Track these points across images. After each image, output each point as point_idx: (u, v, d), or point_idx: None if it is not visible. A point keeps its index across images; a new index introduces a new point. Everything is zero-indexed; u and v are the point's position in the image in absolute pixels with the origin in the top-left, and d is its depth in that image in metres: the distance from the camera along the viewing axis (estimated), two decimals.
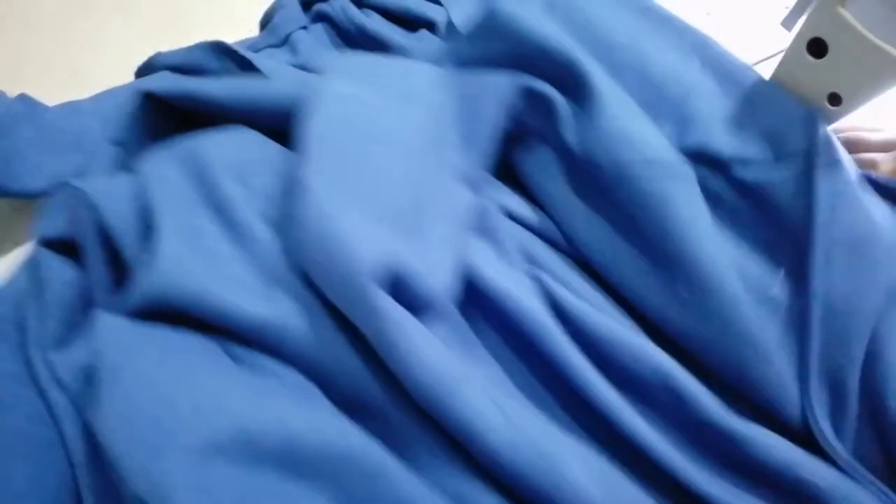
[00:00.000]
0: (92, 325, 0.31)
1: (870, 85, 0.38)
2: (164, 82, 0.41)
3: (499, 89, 0.39)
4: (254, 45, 0.61)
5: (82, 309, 0.36)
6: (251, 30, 0.72)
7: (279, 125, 0.40)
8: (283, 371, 0.30)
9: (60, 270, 0.36)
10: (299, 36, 0.58)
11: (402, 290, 0.30)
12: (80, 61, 0.90)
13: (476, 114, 0.39)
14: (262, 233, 0.34)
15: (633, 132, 0.35)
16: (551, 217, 0.42)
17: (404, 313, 0.28)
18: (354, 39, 0.57)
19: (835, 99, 0.40)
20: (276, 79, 0.45)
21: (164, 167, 0.37)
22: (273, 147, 0.39)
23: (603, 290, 0.38)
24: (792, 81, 0.43)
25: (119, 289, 0.36)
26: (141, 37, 0.92)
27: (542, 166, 0.41)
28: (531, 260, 0.39)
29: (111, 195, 0.36)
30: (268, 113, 0.40)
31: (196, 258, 0.32)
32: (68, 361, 0.33)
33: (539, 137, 0.42)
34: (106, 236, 0.36)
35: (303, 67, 0.54)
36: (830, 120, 0.42)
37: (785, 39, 0.42)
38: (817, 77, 0.40)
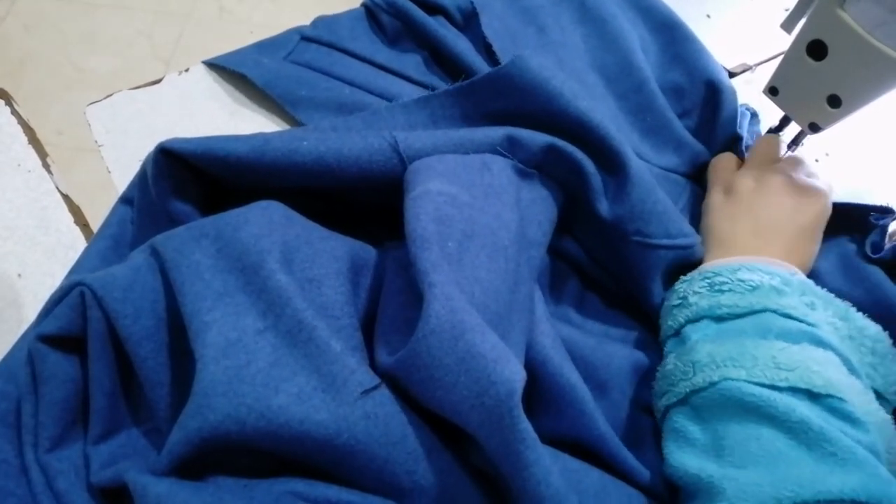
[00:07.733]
0: (135, 493, 0.28)
1: (869, 86, 0.38)
2: (184, 141, 0.38)
3: (557, 197, 0.43)
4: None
5: (81, 406, 0.34)
6: (252, 31, 0.72)
7: (305, 184, 0.39)
8: (361, 499, 0.30)
9: (59, 367, 0.33)
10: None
11: None
12: (82, 61, 0.90)
13: (547, 216, 0.41)
14: (324, 333, 0.32)
15: (662, 212, 0.42)
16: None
17: (535, 434, 0.29)
18: (383, 17, 0.55)
19: (834, 101, 0.40)
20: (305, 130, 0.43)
21: (192, 251, 0.34)
22: (303, 222, 0.38)
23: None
24: (792, 84, 0.43)
25: (127, 399, 0.34)
26: (141, 36, 0.91)
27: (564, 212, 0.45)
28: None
29: (127, 296, 0.33)
30: (294, 172, 0.38)
31: (249, 381, 0.30)
32: (64, 463, 0.32)
33: (562, 189, 0.44)
34: (116, 340, 0.33)
35: (316, 40, 0.54)
36: (830, 122, 0.42)
37: (784, 42, 0.42)
38: (817, 79, 0.41)
